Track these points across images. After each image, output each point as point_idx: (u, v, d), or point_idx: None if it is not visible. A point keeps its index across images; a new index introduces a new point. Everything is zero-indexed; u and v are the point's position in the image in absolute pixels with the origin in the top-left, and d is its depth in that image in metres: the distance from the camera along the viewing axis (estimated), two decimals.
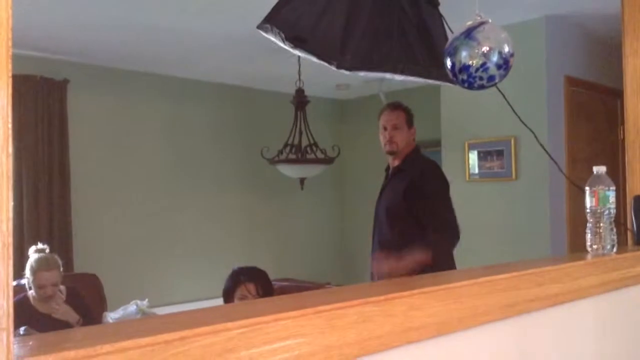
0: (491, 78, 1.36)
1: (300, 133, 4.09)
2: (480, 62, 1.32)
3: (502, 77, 1.39)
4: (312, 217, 5.68)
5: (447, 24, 1.99)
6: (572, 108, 3.75)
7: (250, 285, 2.88)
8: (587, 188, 1.44)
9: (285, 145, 4.11)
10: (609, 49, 4.12)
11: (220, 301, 4.87)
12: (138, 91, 4.60)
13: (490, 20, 1.40)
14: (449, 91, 4.04)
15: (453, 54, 1.36)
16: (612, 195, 1.42)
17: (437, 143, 4.38)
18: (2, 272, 0.52)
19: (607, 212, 1.41)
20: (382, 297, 0.84)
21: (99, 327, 1.30)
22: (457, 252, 3.06)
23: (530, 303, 1.07)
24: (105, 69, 4.44)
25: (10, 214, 0.53)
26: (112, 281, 3.94)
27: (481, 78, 1.34)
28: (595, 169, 1.45)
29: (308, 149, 4.13)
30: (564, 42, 3.78)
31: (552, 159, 2.19)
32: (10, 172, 0.54)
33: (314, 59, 1.85)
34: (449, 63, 1.40)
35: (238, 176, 5.09)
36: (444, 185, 2.66)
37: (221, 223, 4.98)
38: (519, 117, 1.99)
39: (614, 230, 1.41)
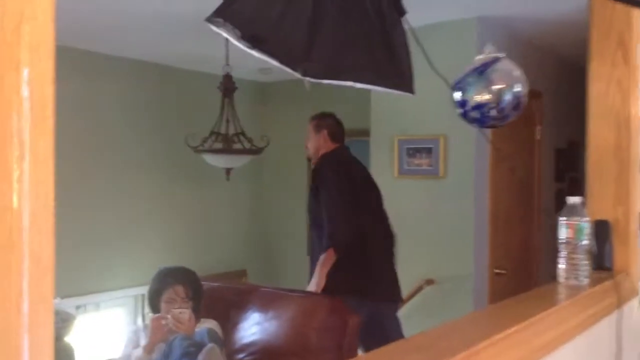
0: (504, 118, 1.31)
1: (227, 121, 3.91)
2: (494, 101, 1.27)
3: (515, 116, 1.35)
4: (232, 206, 5.51)
5: (410, 32, 1.92)
6: None
7: (178, 287, 2.73)
8: (562, 219, 1.43)
9: (211, 133, 3.92)
10: (532, 50, 4.26)
11: (135, 290, 4.63)
12: None
13: (504, 56, 1.35)
14: None
15: (465, 90, 1.30)
16: (587, 227, 1.42)
17: (365, 133, 4.35)
18: None
19: (582, 243, 1.41)
20: None
21: None
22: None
23: (533, 354, 1.04)
24: None
25: None
26: None
27: (494, 117, 1.29)
28: (570, 199, 1.44)
29: (235, 138, 3.96)
30: (493, 43, 3.85)
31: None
32: None
33: (275, 63, 1.71)
34: (458, 98, 1.33)
35: (159, 163, 4.81)
36: (327, 183, 2.87)
37: (140, 211, 4.70)
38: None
39: (588, 262, 1.42)
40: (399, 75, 1.87)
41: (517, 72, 1.35)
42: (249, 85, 5.52)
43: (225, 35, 1.79)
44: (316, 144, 3.03)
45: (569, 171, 4.93)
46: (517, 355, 0.99)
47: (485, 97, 1.27)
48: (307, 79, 1.70)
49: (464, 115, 1.37)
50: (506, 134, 3.97)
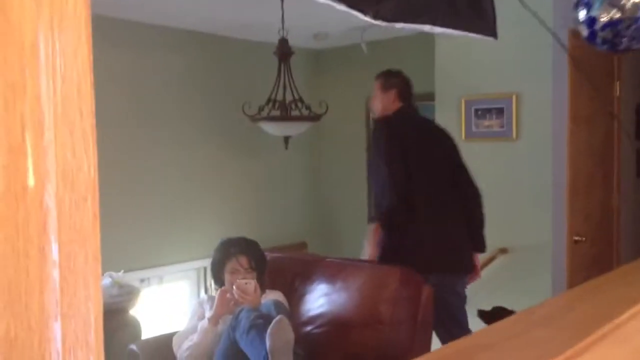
0: None
1: (285, 87, 3.78)
2: (631, 16, 1.05)
3: None
4: (291, 176, 5.41)
5: None
6: (575, 63, 3.53)
7: (242, 258, 2.64)
8: None
9: (268, 100, 3.79)
10: None
11: (198, 263, 4.62)
12: (99, 38, 4.14)
13: None
14: (445, 41, 3.77)
15: (591, 6, 1.08)
16: None
17: (429, 96, 4.14)
18: None
19: None
20: None
21: None
22: None
23: None
24: None
25: None
26: None
27: (632, 37, 1.07)
28: None
29: (292, 105, 3.83)
30: None
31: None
32: None
33: (343, 7, 1.55)
34: (584, 17, 1.12)
35: (217, 134, 4.74)
36: (377, 148, 2.79)
37: (199, 183, 4.66)
38: None
39: None
40: (479, 17, 1.67)
41: None
42: (303, 53, 5.36)
43: None
44: (383, 103, 2.84)
45: None
46: None
47: (617, 13, 1.05)
48: (379, 22, 1.52)
49: (592, 38, 1.16)
50: (587, 91, 3.67)
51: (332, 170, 5.64)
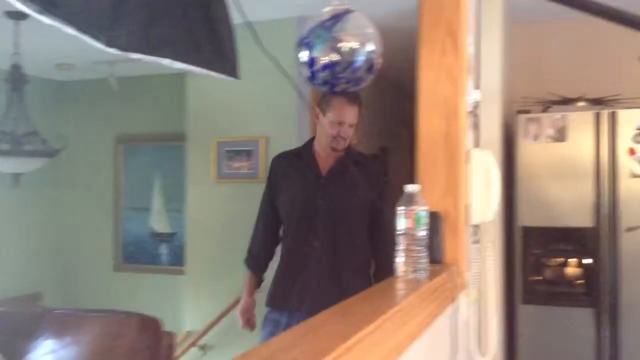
0: (357, 80, 1.14)
1: (16, 119, 3.36)
2: (347, 60, 1.09)
3: (369, 79, 1.19)
4: (23, 218, 4.79)
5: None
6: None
7: None
8: (400, 208, 1.34)
9: None
10: None
11: None
12: None
13: (353, 9, 1.18)
14: (196, 82, 3.76)
15: (311, 47, 1.11)
16: (425, 216, 1.35)
17: (180, 137, 4.07)
18: None
19: (421, 233, 1.33)
20: None
21: None
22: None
23: (400, 345, 0.91)
24: None
25: None
26: None
27: (348, 80, 1.11)
28: (408, 187, 1.36)
29: (25, 138, 3.42)
30: None
31: None
32: None
33: (71, 31, 1.40)
34: (305, 57, 1.14)
35: None
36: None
37: None
38: None
39: (426, 254, 1.35)
40: (221, 57, 1.66)
41: (370, 29, 1.21)
42: (43, 83, 4.89)
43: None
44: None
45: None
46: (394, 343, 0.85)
47: (335, 56, 1.11)
48: (113, 50, 1.41)
49: (313, 78, 1.20)
50: None
51: (74, 212, 5.17)
